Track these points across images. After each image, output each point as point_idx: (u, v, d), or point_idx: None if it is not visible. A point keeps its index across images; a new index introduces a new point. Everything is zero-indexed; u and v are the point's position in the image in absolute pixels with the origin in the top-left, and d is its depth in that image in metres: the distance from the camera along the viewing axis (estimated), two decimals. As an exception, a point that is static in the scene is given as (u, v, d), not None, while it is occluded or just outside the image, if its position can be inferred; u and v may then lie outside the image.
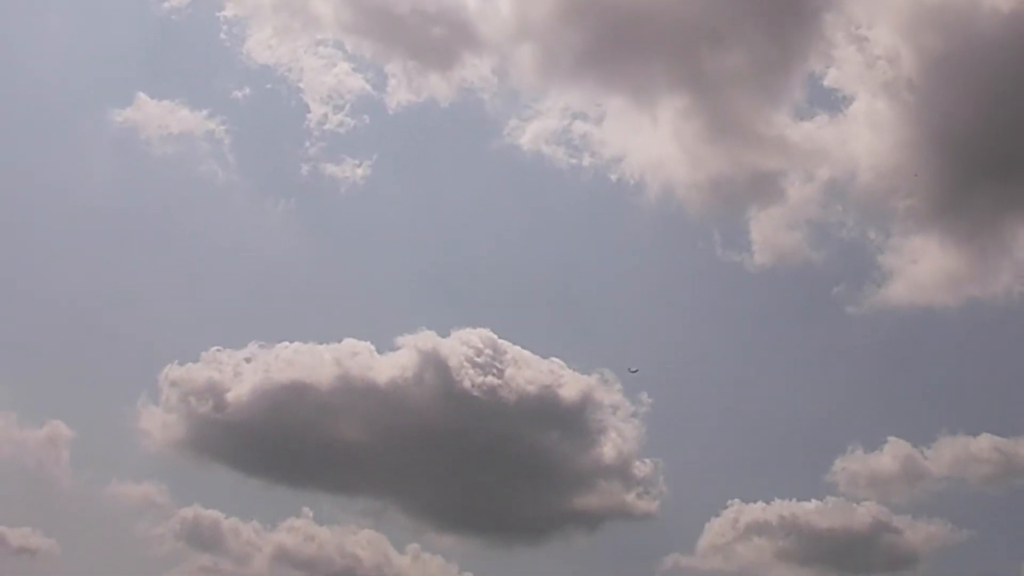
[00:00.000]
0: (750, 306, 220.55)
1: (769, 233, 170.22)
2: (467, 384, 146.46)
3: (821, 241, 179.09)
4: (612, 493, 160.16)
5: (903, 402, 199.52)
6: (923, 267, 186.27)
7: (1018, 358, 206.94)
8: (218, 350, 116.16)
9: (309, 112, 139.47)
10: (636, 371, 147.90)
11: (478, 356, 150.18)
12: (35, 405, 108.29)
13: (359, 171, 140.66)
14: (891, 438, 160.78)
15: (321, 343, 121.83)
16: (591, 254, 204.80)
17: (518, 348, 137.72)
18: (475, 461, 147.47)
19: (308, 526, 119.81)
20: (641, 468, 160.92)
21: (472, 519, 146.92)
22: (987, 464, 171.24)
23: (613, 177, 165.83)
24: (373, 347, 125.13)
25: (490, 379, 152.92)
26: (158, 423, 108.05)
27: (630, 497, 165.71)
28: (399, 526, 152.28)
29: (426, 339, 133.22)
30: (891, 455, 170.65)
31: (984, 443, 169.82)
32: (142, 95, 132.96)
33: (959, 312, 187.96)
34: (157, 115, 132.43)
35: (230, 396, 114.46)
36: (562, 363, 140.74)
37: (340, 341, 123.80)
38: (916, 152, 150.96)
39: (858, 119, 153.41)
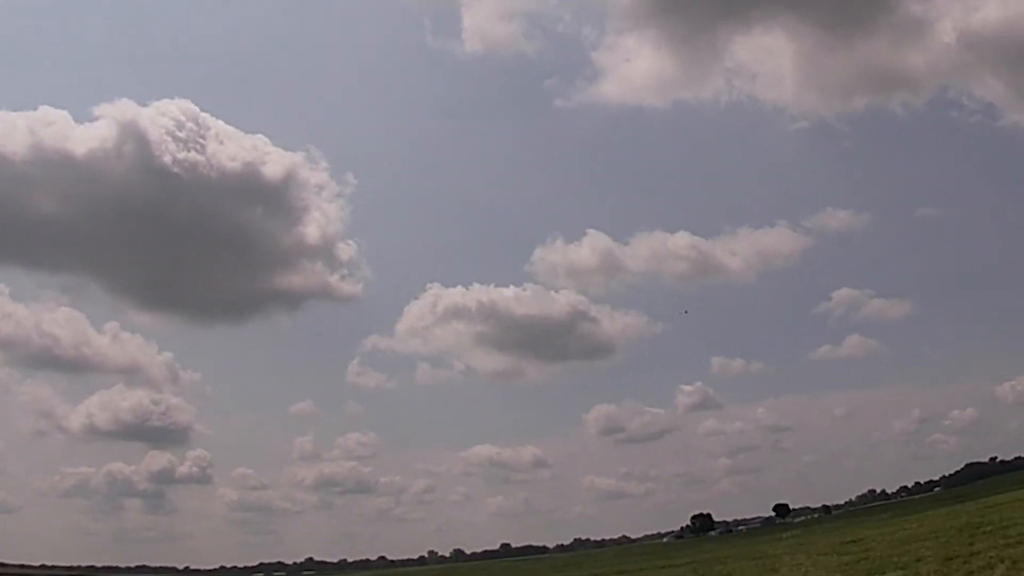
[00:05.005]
0: (458, 93, 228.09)
1: (482, 22, 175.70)
2: (167, 159, 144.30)
3: (535, 34, 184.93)
4: (315, 274, 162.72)
5: (605, 197, 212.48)
6: (635, 67, 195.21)
7: (720, 162, 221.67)
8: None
9: None
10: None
11: (180, 130, 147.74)
12: None
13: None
14: (591, 231, 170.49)
15: (14, 110, 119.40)
16: (297, 31, 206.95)
17: (221, 123, 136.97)
18: (176, 238, 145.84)
19: (4, 303, 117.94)
20: (345, 250, 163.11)
21: (172, 297, 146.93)
22: (683, 261, 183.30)
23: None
24: (70, 116, 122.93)
25: (192, 155, 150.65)
26: None
27: (333, 279, 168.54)
28: (98, 303, 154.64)
29: (125, 109, 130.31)
30: (590, 247, 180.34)
31: (681, 240, 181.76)
32: None
33: (667, 114, 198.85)
34: None
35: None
36: (266, 139, 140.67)
37: (35, 109, 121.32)
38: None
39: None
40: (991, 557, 23.83)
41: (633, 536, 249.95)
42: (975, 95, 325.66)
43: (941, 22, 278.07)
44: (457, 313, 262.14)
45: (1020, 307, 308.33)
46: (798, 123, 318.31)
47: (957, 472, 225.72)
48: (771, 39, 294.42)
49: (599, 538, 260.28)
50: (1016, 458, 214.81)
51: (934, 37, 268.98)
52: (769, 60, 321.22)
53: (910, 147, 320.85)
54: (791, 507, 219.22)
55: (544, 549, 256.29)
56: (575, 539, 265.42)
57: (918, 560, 27.32)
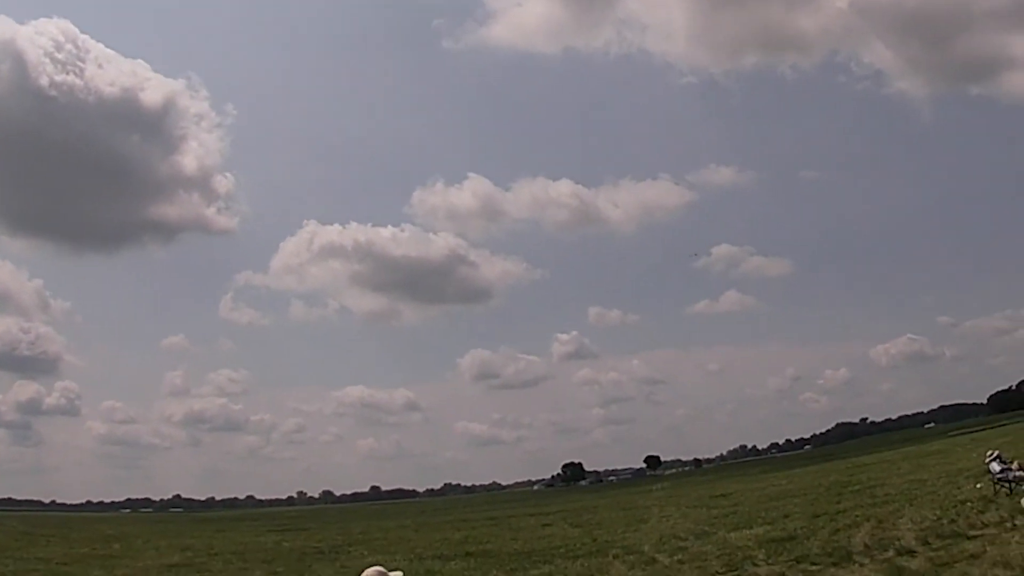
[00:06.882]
0: (344, 28, 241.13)
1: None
2: (44, 81, 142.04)
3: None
4: (191, 205, 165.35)
5: (489, 141, 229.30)
6: (526, 11, 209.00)
7: (606, 112, 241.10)
8: None
9: None
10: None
11: (58, 51, 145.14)
12: None
13: None
14: (472, 174, 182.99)
15: None
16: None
17: (101, 46, 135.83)
18: (50, 163, 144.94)
19: None
20: (222, 182, 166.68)
21: (45, 223, 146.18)
22: (565, 209, 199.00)
23: None
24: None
25: (70, 78, 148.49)
26: None
27: (210, 211, 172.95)
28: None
29: (2, 27, 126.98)
30: (471, 191, 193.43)
31: (564, 188, 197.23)
32: None
33: (556, 60, 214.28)
34: None
35: None
36: (147, 65, 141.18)
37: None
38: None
39: None
40: (857, 516, 24.26)
41: (504, 483, 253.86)
42: (864, 61, 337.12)
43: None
44: (333, 251, 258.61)
45: (897, 271, 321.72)
46: (686, 78, 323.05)
47: (828, 431, 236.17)
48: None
49: (470, 484, 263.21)
50: (886, 420, 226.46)
51: (827, 1, 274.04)
52: (661, 13, 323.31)
53: (797, 108, 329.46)
54: (662, 459, 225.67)
55: (414, 493, 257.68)
56: (445, 484, 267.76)
57: (786, 516, 27.74)
